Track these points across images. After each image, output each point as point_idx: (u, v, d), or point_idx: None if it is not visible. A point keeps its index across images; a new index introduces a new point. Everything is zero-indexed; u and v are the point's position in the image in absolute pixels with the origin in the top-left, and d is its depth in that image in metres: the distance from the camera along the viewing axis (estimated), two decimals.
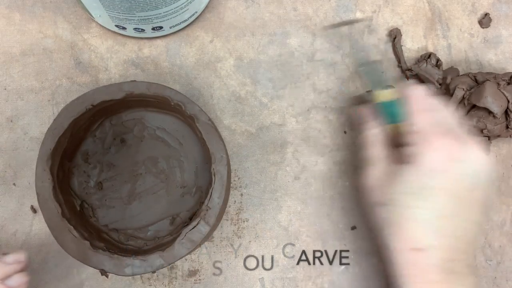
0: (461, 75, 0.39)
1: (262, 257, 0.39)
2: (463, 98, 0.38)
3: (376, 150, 0.33)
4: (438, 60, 0.40)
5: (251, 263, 0.39)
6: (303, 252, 0.39)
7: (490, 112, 0.37)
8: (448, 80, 0.38)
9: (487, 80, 0.38)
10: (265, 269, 0.38)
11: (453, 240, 0.29)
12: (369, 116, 0.35)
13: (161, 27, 0.38)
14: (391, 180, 0.31)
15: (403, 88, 0.33)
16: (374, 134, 0.34)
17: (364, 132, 0.35)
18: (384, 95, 0.34)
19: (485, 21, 0.42)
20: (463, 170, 0.29)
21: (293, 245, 0.39)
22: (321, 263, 0.39)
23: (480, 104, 0.37)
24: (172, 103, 0.34)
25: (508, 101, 0.37)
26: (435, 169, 0.29)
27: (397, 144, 0.34)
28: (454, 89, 0.38)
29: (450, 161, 0.29)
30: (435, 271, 0.29)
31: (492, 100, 0.36)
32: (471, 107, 0.38)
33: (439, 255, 0.29)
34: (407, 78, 0.41)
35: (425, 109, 0.31)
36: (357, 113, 0.36)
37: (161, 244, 0.36)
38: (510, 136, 0.39)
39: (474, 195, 0.30)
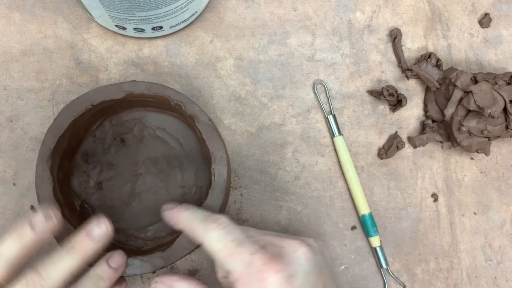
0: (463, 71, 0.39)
1: None
2: (462, 99, 0.38)
3: None
4: (438, 60, 0.40)
5: None
6: None
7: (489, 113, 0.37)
8: (453, 79, 0.38)
9: (484, 81, 0.38)
10: None
11: None
12: (176, 283, 0.30)
13: (161, 27, 0.38)
14: None
15: (201, 234, 0.28)
16: None
17: None
18: None
19: (485, 21, 0.42)
20: (300, 280, 0.27)
21: None
22: None
23: (470, 107, 0.37)
24: (172, 103, 0.34)
25: (505, 101, 0.37)
26: None
27: None
28: (453, 90, 0.38)
29: (287, 284, 0.26)
30: None
31: (482, 102, 0.36)
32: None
33: None
34: (408, 78, 0.41)
35: (234, 247, 0.27)
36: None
37: (161, 244, 0.36)
38: (510, 136, 0.39)
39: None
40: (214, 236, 0.28)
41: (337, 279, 0.39)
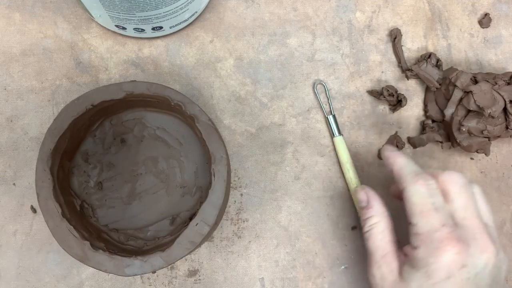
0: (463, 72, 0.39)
1: (262, 257, 0.39)
2: (462, 99, 0.38)
3: (381, 247, 0.32)
4: (438, 60, 0.40)
5: (251, 263, 0.39)
6: (303, 252, 0.39)
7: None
8: (453, 79, 0.38)
9: (484, 81, 0.38)
10: (265, 269, 0.39)
11: None
12: (373, 201, 0.33)
13: (161, 27, 0.38)
14: (398, 285, 0.30)
15: (406, 183, 0.31)
16: (379, 225, 0.32)
17: (367, 220, 0.33)
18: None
19: (485, 21, 0.42)
20: (467, 275, 0.28)
21: (293, 245, 0.39)
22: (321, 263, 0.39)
23: (470, 107, 0.37)
24: (172, 103, 0.34)
25: (505, 101, 0.37)
26: (442, 278, 0.28)
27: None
28: (453, 90, 0.38)
29: (456, 269, 0.28)
30: None
31: (482, 102, 0.36)
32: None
33: None
34: (407, 78, 0.41)
35: (429, 209, 0.29)
36: (360, 195, 0.34)
37: (161, 244, 0.36)
38: (510, 136, 0.39)
39: None
40: (418, 190, 0.30)
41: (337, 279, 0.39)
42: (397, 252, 0.32)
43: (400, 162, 0.33)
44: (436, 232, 0.29)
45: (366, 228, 0.33)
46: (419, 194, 0.30)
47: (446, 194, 0.31)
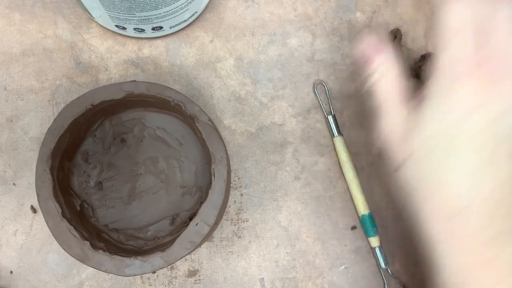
0: None
1: (262, 257, 0.39)
2: None
3: (392, 96, 0.27)
4: None
5: (251, 263, 0.39)
6: (303, 252, 0.39)
7: None
8: None
9: None
10: (265, 269, 0.39)
11: (494, 193, 0.23)
12: (382, 44, 0.28)
13: (161, 27, 0.38)
14: (411, 129, 0.25)
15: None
16: (391, 71, 0.27)
17: (372, 71, 0.28)
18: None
19: None
20: (488, 115, 0.24)
21: (293, 245, 0.39)
22: (321, 263, 0.39)
23: None
24: (172, 103, 0.34)
25: None
26: (459, 115, 0.24)
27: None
28: None
29: (474, 106, 0.23)
30: (479, 234, 0.23)
31: None
32: None
33: (481, 215, 0.23)
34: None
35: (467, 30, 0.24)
36: (361, 50, 0.29)
37: (161, 244, 0.36)
38: None
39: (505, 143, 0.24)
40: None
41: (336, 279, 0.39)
42: (410, 102, 0.27)
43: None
44: (460, 63, 0.24)
45: (376, 77, 0.27)
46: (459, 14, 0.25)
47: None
